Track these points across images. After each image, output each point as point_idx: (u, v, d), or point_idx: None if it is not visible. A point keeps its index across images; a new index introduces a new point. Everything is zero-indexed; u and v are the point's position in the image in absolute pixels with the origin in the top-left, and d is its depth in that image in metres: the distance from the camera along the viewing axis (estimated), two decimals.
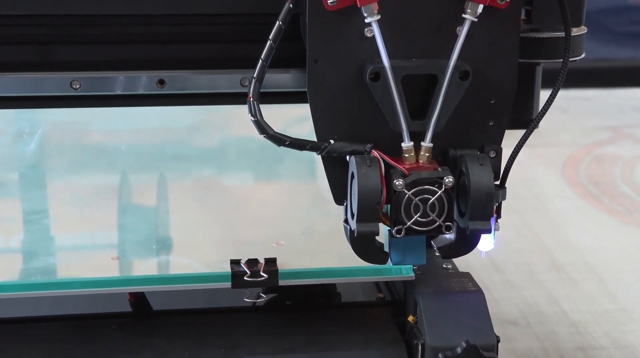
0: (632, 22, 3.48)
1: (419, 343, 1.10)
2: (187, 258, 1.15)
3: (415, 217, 0.94)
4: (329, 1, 0.92)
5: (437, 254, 1.08)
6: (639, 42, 3.45)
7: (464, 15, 0.94)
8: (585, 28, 1.05)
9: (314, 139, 0.98)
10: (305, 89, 0.98)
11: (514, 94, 1.00)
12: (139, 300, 1.21)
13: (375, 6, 0.92)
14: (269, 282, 1.12)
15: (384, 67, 0.94)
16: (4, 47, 1.01)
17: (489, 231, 0.97)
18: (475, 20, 0.94)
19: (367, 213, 0.93)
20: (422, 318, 1.10)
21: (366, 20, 0.93)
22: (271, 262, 1.13)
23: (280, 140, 0.96)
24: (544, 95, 1.05)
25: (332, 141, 0.98)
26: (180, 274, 1.13)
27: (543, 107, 1.01)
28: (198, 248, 1.16)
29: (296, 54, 0.98)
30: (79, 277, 1.12)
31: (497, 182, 1.02)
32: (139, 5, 0.98)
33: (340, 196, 1.00)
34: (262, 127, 0.96)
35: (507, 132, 1.02)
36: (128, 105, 1.04)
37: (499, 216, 1.05)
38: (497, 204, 1.03)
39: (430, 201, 0.94)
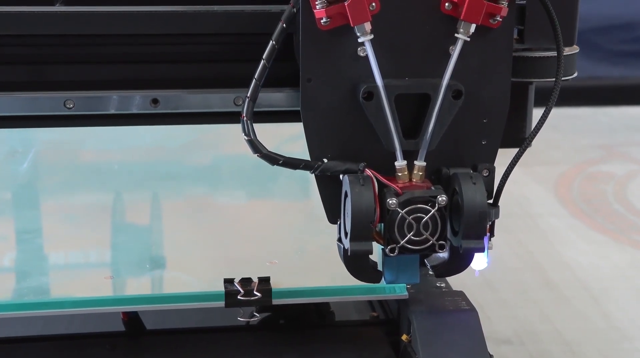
0: (623, 40, 3.49)
1: None
2: (181, 277, 1.15)
3: (409, 235, 0.94)
4: (322, 21, 0.93)
5: (431, 273, 1.08)
6: (631, 60, 3.46)
7: (456, 35, 0.95)
8: (577, 47, 1.05)
9: (308, 157, 0.98)
10: (299, 108, 0.98)
11: (506, 113, 1.00)
12: (132, 319, 1.21)
13: (368, 26, 0.93)
14: (262, 301, 1.12)
15: (377, 86, 0.94)
16: None
17: (482, 250, 0.97)
18: (468, 39, 0.94)
19: (361, 232, 0.93)
20: (416, 337, 1.10)
21: (359, 40, 0.94)
22: (265, 281, 1.13)
23: (273, 159, 0.96)
24: (536, 113, 1.05)
25: (325, 160, 0.98)
26: (173, 293, 1.13)
27: (536, 125, 1.02)
28: (191, 267, 1.15)
29: (290, 73, 0.99)
30: (72, 296, 1.11)
31: (491, 201, 1.02)
32: (133, 26, 0.99)
33: (333, 215, 1.00)
34: (256, 146, 0.96)
35: (500, 150, 1.02)
36: (122, 125, 1.04)
37: (492, 235, 1.05)
38: (490, 223, 1.03)
39: (424, 220, 0.94)
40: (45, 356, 1.16)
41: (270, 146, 0.97)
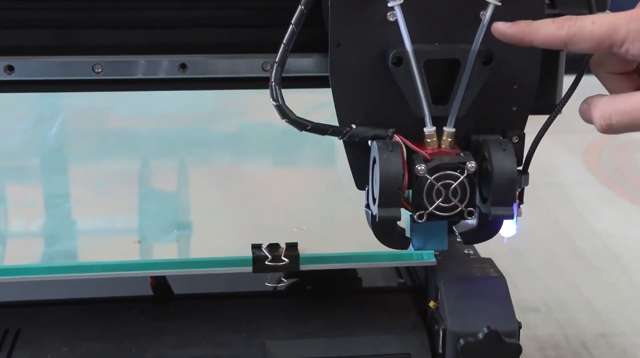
0: None
1: (440, 329, 1.09)
2: (208, 242, 1.15)
3: (437, 202, 0.94)
4: None
5: (459, 240, 1.07)
6: None
7: None
8: (610, 12, 1.03)
9: (336, 124, 0.98)
10: (327, 74, 0.97)
11: (537, 79, 0.99)
12: (160, 284, 1.21)
13: None
14: (290, 267, 1.12)
15: (406, 52, 0.94)
16: (25, 30, 1.01)
17: (511, 217, 0.96)
18: (499, 4, 0.93)
19: (389, 198, 0.93)
20: (444, 304, 1.10)
21: (389, 4, 0.93)
22: (292, 246, 1.13)
23: (302, 124, 0.96)
24: (567, 81, 1.04)
25: (353, 126, 0.97)
26: (201, 258, 1.13)
27: (567, 92, 1.01)
28: (219, 233, 1.16)
29: (318, 39, 0.98)
30: (101, 260, 1.12)
31: (520, 168, 1.01)
32: None
33: (361, 181, 1.00)
34: (284, 112, 0.95)
35: (530, 117, 1.01)
36: (150, 89, 1.04)
37: (521, 201, 1.04)
38: (519, 190, 1.02)
39: (453, 186, 0.93)
40: (73, 319, 1.17)
41: (299, 112, 0.96)
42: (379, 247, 1.00)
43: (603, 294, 1.72)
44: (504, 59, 0.96)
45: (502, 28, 0.90)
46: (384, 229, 0.98)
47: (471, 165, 0.93)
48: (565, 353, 1.56)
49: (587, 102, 0.90)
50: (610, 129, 0.87)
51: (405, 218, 0.98)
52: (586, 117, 0.90)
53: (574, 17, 0.87)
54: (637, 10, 0.84)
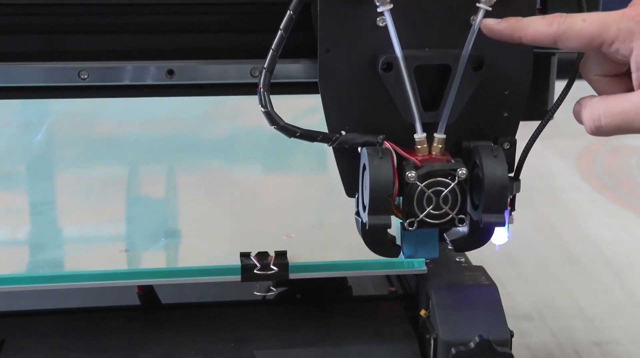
0: None
1: (432, 338, 1.08)
2: (196, 251, 1.14)
3: (428, 209, 0.93)
4: None
5: (450, 247, 1.06)
6: None
7: (478, 4, 0.92)
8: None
9: (325, 130, 0.97)
10: (317, 80, 0.96)
11: (528, 85, 0.98)
12: (147, 293, 1.20)
13: None
14: (279, 275, 1.11)
15: (396, 57, 0.93)
16: (10, 36, 0.99)
17: (503, 224, 0.95)
18: (490, 9, 0.92)
19: (379, 205, 0.92)
20: (435, 313, 1.09)
21: (379, 10, 0.92)
22: (281, 255, 1.12)
23: (291, 131, 0.95)
24: (559, 86, 1.03)
25: (343, 132, 0.96)
26: (189, 267, 1.12)
27: (558, 97, 1.00)
28: (207, 241, 1.15)
29: (307, 44, 0.97)
30: (87, 269, 1.11)
31: (512, 174, 1.01)
32: None
33: (351, 188, 0.99)
34: (273, 118, 0.94)
35: (521, 123, 1.00)
36: (137, 96, 1.02)
37: (513, 209, 1.03)
38: (511, 197, 1.01)
39: (443, 193, 0.92)
40: (60, 329, 1.15)
41: (288, 118, 0.95)
42: (369, 255, 0.99)
43: (597, 301, 1.72)
44: (495, 64, 0.95)
45: (491, 24, 0.89)
46: (375, 237, 0.97)
47: (462, 172, 0.92)
48: None
49: (579, 103, 0.89)
50: (599, 131, 0.86)
51: (395, 225, 0.97)
52: (578, 118, 0.89)
53: (564, 14, 0.85)
54: (628, 10, 0.83)
